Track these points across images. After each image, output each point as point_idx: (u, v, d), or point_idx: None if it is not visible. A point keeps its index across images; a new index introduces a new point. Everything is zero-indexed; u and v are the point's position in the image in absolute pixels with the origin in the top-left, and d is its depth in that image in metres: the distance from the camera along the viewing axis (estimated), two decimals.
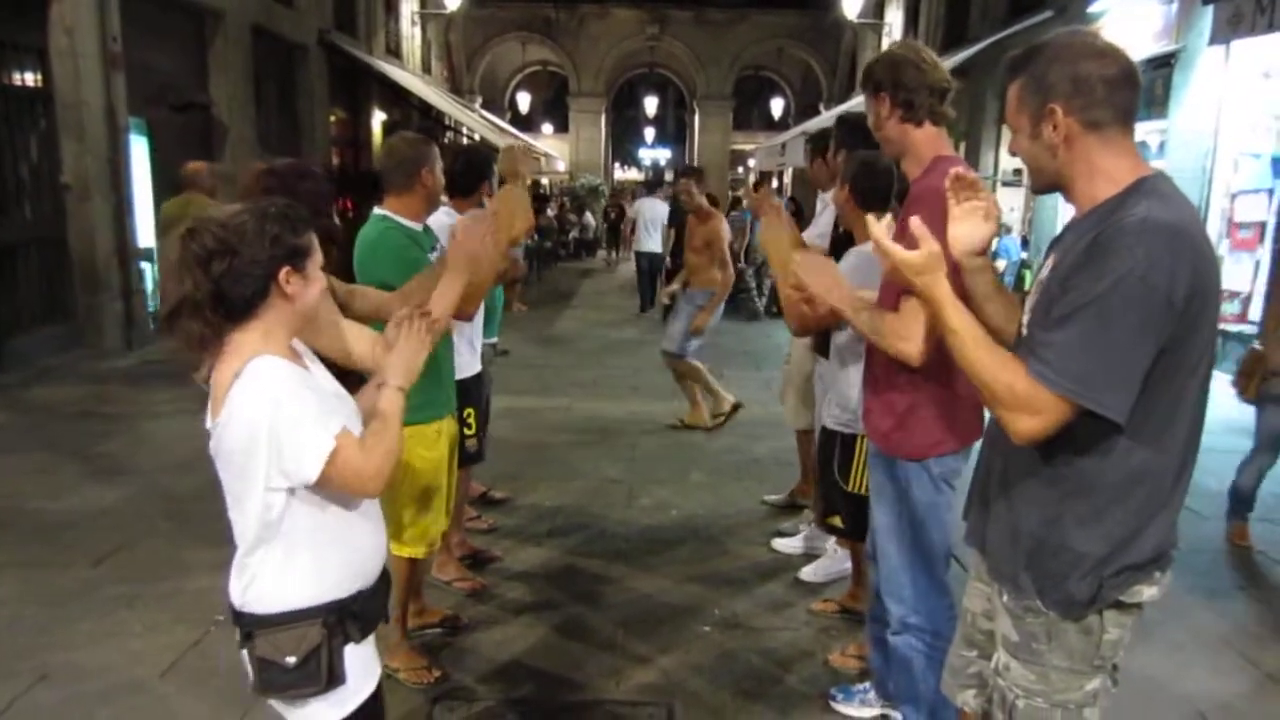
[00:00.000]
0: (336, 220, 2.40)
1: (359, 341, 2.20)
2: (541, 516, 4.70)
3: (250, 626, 1.73)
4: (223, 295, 1.63)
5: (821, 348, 3.51)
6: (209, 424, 1.66)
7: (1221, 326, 7.82)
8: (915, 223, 1.73)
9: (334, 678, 1.73)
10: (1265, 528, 4.46)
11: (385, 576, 1.91)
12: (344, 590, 1.76)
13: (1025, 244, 12.42)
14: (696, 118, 28.54)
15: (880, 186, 2.95)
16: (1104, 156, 1.62)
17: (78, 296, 8.44)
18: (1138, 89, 1.63)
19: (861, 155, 3.03)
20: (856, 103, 16.46)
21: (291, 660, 1.69)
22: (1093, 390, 1.51)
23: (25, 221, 8.11)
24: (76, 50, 8.13)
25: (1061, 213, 10.65)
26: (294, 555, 1.71)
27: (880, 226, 1.85)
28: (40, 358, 7.84)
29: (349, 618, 1.76)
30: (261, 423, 1.59)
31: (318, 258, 1.75)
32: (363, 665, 1.80)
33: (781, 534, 4.44)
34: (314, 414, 1.63)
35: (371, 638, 1.86)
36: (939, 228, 1.80)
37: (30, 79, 8.12)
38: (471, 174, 3.82)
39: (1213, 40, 8.25)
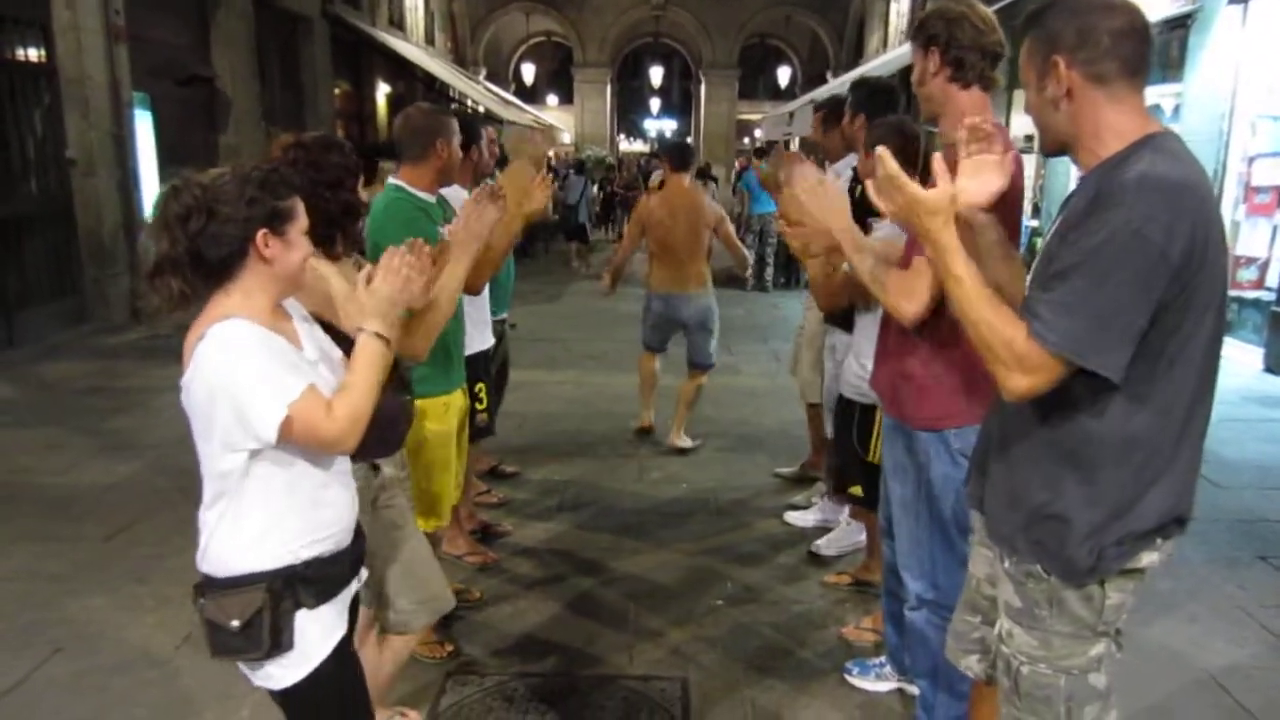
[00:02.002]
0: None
1: None
2: (552, 490, 4.69)
3: (201, 589, 1.75)
4: (199, 255, 1.64)
5: (841, 321, 3.47)
6: (181, 381, 1.69)
7: (1238, 293, 7.80)
8: (936, 159, 1.67)
9: (278, 644, 1.72)
10: None
11: (356, 543, 1.90)
12: (297, 555, 1.74)
13: (1036, 211, 12.28)
14: (702, 88, 28.28)
15: (911, 153, 2.87)
16: (1110, 112, 1.57)
17: (85, 271, 8.44)
18: (1147, 43, 1.57)
19: (893, 121, 2.93)
20: (869, 68, 16.25)
21: (235, 624, 1.70)
22: (1086, 348, 1.48)
23: (31, 197, 8.09)
24: (80, 25, 8.06)
25: (1072, 180, 10.52)
26: (246, 517, 1.71)
27: (890, 157, 1.76)
28: (48, 333, 7.84)
29: (301, 583, 1.74)
30: (219, 383, 1.61)
31: (300, 223, 1.74)
32: (321, 629, 1.78)
33: (794, 507, 4.42)
34: (275, 375, 1.64)
35: (341, 598, 1.84)
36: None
37: (34, 54, 8.07)
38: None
39: (1231, 0, 8.09)
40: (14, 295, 7.69)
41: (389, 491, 2.38)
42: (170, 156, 9.46)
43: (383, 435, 2.35)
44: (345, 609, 1.87)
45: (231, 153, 10.82)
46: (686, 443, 5.35)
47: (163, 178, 8.62)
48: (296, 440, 1.67)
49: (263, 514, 1.72)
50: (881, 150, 1.73)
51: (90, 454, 5.05)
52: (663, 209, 5.22)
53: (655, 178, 5.40)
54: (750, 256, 8.40)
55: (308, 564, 1.75)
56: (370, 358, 1.77)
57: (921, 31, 2.28)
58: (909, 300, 2.17)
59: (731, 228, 5.46)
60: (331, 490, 1.81)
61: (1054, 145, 1.67)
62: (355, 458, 2.29)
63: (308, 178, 2.13)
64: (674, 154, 5.45)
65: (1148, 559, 1.63)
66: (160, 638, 3.18)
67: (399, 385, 2.41)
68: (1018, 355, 1.53)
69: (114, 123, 8.51)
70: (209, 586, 1.74)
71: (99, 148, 8.36)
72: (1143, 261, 1.44)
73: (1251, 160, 8.15)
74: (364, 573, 1.97)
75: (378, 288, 1.80)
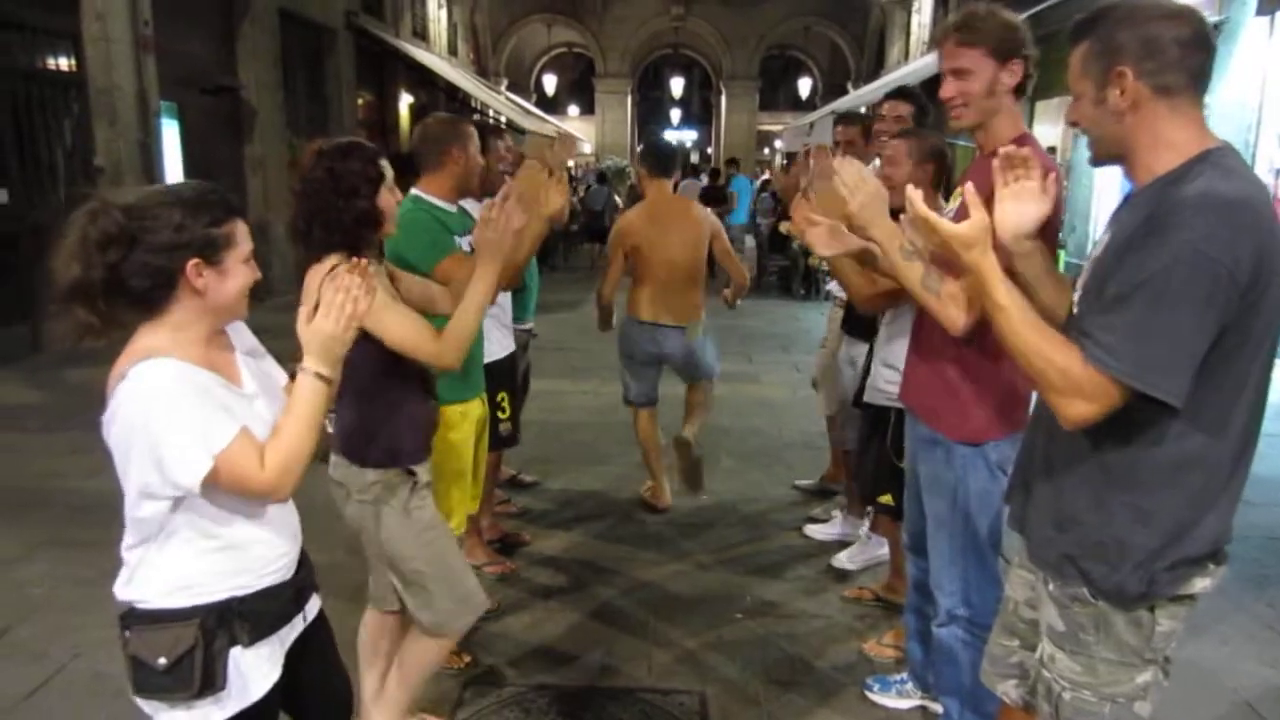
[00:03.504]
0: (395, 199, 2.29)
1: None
2: (571, 500, 4.68)
3: (126, 621, 1.62)
4: (120, 284, 1.52)
5: (860, 330, 3.44)
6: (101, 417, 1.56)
7: None
8: (968, 189, 1.64)
9: (210, 684, 1.58)
10: None
11: (299, 575, 1.78)
12: (232, 590, 1.62)
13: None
14: (723, 98, 28.31)
15: (940, 170, 2.87)
16: (1170, 125, 1.53)
17: None
18: (1211, 53, 1.54)
19: (923, 137, 2.92)
20: (892, 78, 16.21)
21: (163, 662, 1.56)
22: (1151, 374, 1.43)
23: (59, 205, 8.18)
24: (109, 35, 8.18)
25: (1097, 192, 10.42)
26: (177, 549, 1.59)
27: (919, 196, 1.75)
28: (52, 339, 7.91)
29: (235, 619, 1.62)
30: (137, 431, 1.49)
31: (240, 250, 1.60)
32: (254, 669, 1.65)
33: (813, 520, 4.38)
34: (201, 422, 1.51)
35: (276, 639, 1.71)
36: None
37: (64, 64, 8.18)
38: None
39: (1260, 11, 8.01)
40: (40, 301, 7.78)
41: (420, 494, 2.38)
42: (196, 166, 9.57)
43: (416, 440, 2.38)
44: (282, 650, 1.73)
45: (256, 162, 10.94)
46: (692, 440, 4.46)
47: None
48: (225, 489, 1.56)
49: (193, 550, 1.60)
50: (911, 191, 1.71)
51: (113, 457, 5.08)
52: (648, 224, 4.32)
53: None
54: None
55: (243, 599, 1.63)
56: (308, 398, 1.62)
57: (1009, 41, 2.14)
58: (962, 311, 2.07)
59: (728, 241, 4.60)
60: (269, 524, 1.69)
61: (1106, 155, 1.63)
62: (392, 463, 2.30)
63: (324, 186, 2.11)
64: (651, 157, 4.48)
65: (1200, 584, 1.59)
66: None
67: (426, 391, 2.41)
68: (1075, 382, 1.49)
69: (141, 132, 8.62)
70: (134, 618, 1.61)
71: (126, 157, 8.47)
72: (1209, 284, 1.40)
73: (1279, 172, 8.06)
74: (313, 604, 1.85)
75: (319, 324, 1.62)
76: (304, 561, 1.82)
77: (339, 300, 1.62)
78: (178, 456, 1.50)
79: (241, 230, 1.62)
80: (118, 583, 1.65)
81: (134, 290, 1.53)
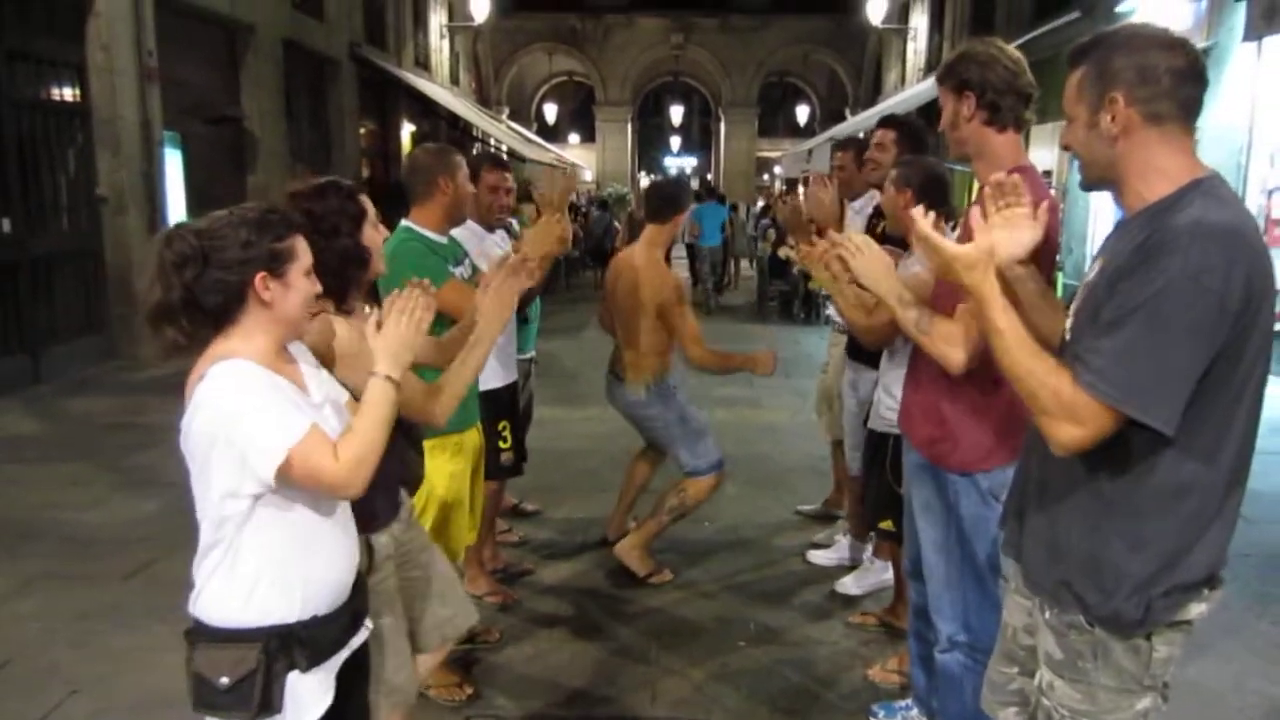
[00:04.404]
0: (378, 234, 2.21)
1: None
2: (573, 529, 4.65)
3: (193, 637, 1.71)
4: (196, 302, 1.63)
5: (865, 356, 3.44)
6: (180, 423, 1.66)
7: None
8: (974, 215, 1.66)
9: (267, 706, 1.65)
10: None
11: (353, 602, 1.83)
12: (294, 614, 1.69)
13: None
14: (722, 125, 28.54)
15: (945, 194, 2.91)
16: (1161, 153, 1.55)
17: (112, 308, 8.54)
18: (1204, 85, 1.56)
19: (929, 162, 2.96)
20: (889, 104, 16.33)
21: (225, 681, 1.64)
22: (1142, 400, 1.44)
23: (62, 234, 8.24)
24: (114, 66, 8.27)
25: (1093, 213, 10.46)
26: (243, 566, 1.67)
27: (927, 220, 1.77)
28: (76, 369, 7.93)
29: (296, 644, 1.68)
30: (219, 423, 1.59)
31: (301, 263, 1.71)
32: (310, 694, 1.71)
33: (816, 545, 4.36)
34: (276, 414, 1.61)
35: (333, 663, 1.77)
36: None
37: (69, 94, 8.26)
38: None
39: (1246, 36, 8.10)
40: (42, 331, 7.80)
41: (380, 572, 2.17)
42: (199, 195, 9.63)
43: (389, 499, 2.22)
44: (333, 676, 1.78)
45: (259, 191, 10.99)
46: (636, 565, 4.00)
47: (191, 216, 8.75)
48: (298, 483, 1.63)
49: (260, 563, 1.67)
50: (915, 213, 1.73)
51: (113, 490, 5.07)
52: (611, 271, 4.13)
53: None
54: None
55: (305, 623, 1.70)
56: (379, 400, 1.72)
57: (952, 75, 2.23)
58: (955, 350, 2.13)
59: (676, 313, 3.86)
60: (332, 540, 1.76)
61: (1096, 180, 1.65)
62: (362, 528, 2.12)
63: (306, 227, 2.03)
64: (645, 199, 4.23)
65: (1196, 610, 1.58)
66: (179, 679, 3.09)
67: (411, 444, 2.31)
68: (1065, 405, 1.49)
69: (144, 161, 8.69)
70: (201, 635, 1.70)
71: (129, 186, 8.53)
72: (1202, 311, 1.41)
73: (1271, 193, 8.13)
74: (365, 630, 1.89)
75: (389, 331, 1.76)
76: (360, 585, 1.87)
77: (408, 305, 1.77)
78: (258, 444, 1.58)
79: (301, 245, 1.73)
80: (190, 597, 1.73)
81: (209, 306, 1.65)
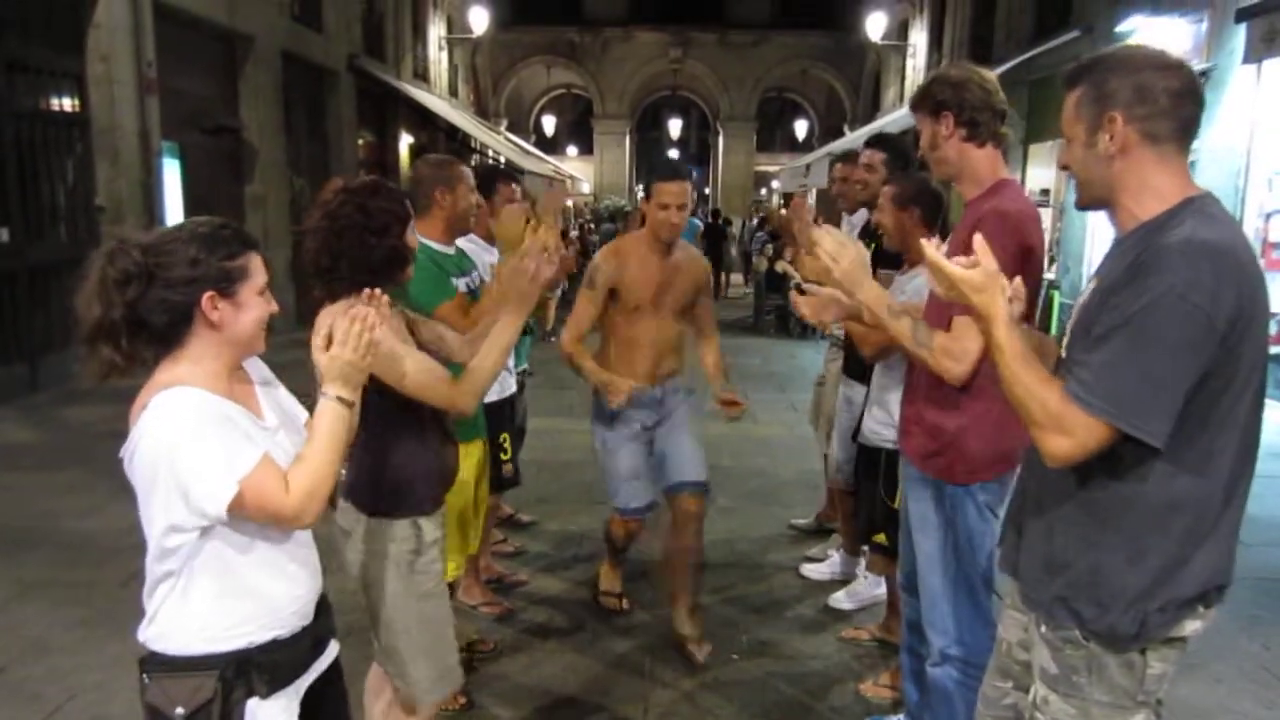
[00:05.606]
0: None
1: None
2: (568, 540, 4.67)
3: (146, 667, 1.62)
4: (140, 321, 1.55)
5: (858, 373, 3.47)
6: (122, 453, 1.57)
7: None
8: (978, 240, 1.69)
9: None
10: None
11: (316, 625, 1.76)
12: (250, 639, 1.62)
13: (1051, 263, 12.28)
14: (720, 139, 28.64)
15: (940, 210, 2.97)
16: (1156, 173, 1.58)
17: None
18: (1200, 106, 1.58)
19: (924, 177, 3.00)
20: (886, 121, 16.43)
21: (180, 712, 1.56)
22: (1128, 412, 1.46)
23: (60, 243, 8.24)
24: (113, 76, 8.29)
25: (1090, 232, 10.52)
26: (196, 595, 1.59)
27: (934, 248, 1.80)
28: (73, 377, 7.92)
29: (254, 670, 1.61)
30: (161, 458, 1.50)
31: (255, 282, 1.62)
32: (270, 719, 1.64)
33: (810, 559, 4.38)
34: (225, 448, 1.52)
35: (292, 690, 1.70)
36: (1003, 248, 1.75)
37: (68, 104, 8.28)
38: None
39: (1246, 59, 8.15)
40: (40, 339, 7.80)
41: (428, 555, 2.28)
42: (197, 205, 9.65)
43: (429, 488, 2.29)
44: (298, 699, 1.72)
45: (257, 202, 11.04)
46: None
47: None
48: (250, 516, 1.56)
49: (215, 588, 1.59)
50: (924, 243, 1.76)
51: (110, 497, 5.06)
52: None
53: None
54: None
55: (263, 648, 1.63)
56: (330, 425, 1.65)
57: (928, 98, 2.31)
58: (956, 362, 2.16)
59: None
60: (291, 561, 1.69)
61: (1092, 200, 1.67)
62: (398, 513, 2.22)
63: (355, 223, 2.08)
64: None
65: (1190, 627, 1.60)
66: None
67: (444, 435, 2.35)
68: (1053, 416, 1.52)
69: (143, 171, 8.70)
70: (154, 665, 1.61)
71: (128, 196, 8.54)
72: (1190, 328, 1.43)
73: (1269, 216, 8.16)
74: (330, 651, 1.83)
75: (336, 352, 1.66)
76: (324, 606, 1.81)
77: (355, 329, 1.65)
78: (203, 483, 1.50)
79: (256, 263, 1.64)
80: (141, 624, 1.64)
81: (153, 326, 1.56)
